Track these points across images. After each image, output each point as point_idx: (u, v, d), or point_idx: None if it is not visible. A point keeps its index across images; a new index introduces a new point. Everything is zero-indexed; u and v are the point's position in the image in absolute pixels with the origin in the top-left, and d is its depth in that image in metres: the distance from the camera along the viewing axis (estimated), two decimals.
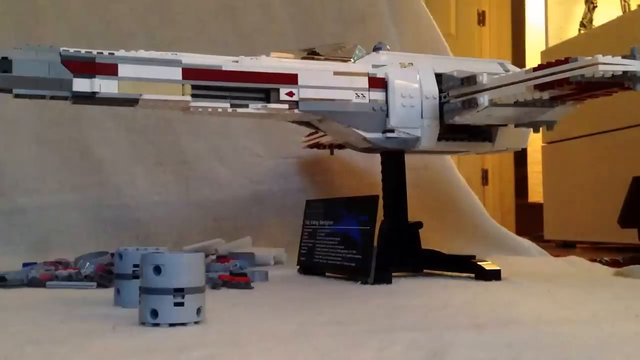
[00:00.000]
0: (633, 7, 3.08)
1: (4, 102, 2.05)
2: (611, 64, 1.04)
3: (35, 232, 2.00)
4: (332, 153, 1.81)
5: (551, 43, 3.35)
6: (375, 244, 1.37)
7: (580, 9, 3.32)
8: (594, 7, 3.26)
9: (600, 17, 3.19)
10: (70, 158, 2.11)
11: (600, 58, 1.04)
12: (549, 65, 1.12)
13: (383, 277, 1.32)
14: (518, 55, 4.10)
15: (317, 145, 1.91)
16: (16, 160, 2.10)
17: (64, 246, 1.87)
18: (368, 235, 1.35)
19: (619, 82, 1.09)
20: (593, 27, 3.18)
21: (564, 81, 1.08)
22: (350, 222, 1.43)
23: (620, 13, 3.07)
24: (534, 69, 1.14)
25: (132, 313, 0.87)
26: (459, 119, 1.30)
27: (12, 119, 2.11)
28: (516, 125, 1.37)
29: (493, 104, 1.22)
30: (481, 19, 4.13)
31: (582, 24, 3.27)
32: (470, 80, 1.27)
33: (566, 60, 1.09)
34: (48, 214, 2.01)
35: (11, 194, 2.06)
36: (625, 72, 1.05)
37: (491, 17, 4.16)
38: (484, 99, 1.22)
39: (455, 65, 1.40)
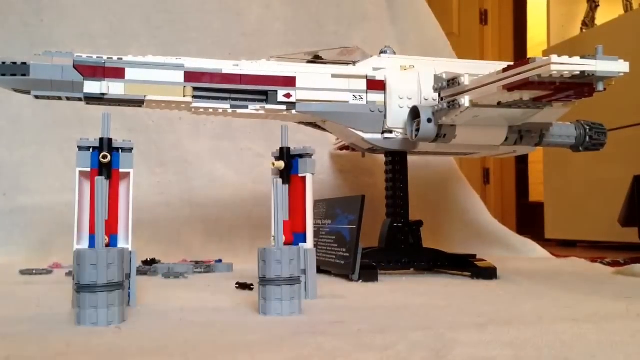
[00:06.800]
0: (635, 6, 3.07)
1: (6, 102, 2.07)
2: (565, 64, 1.04)
3: (37, 232, 2.00)
4: (363, 155, 1.82)
5: (553, 42, 3.35)
6: (359, 241, 1.38)
7: (583, 8, 3.31)
8: (596, 6, 3.25)
9: (603, 16, 3.19)
10: (71, 158, 2.11)
11: (554, 58, 1.03)
12: (514, 66, 1.12)
13: (368, 275, 1.34)
14: (520, 54, 4.10)
15: (347, 147, 1.92)
16: (17, 160, 2.10)
17: (65, 246, 1.87)
18: (355, 233, 1.37)
19: (589, 82, 1.08)
20: (595, 26, 3.17)
21: (525, 81, 1.08)
22: (342, 221, 1.45)
23: (622, 12, 3.07)
24: (503, 70, 1.15)
25: None
26: (446, 119, 1.31)
27: (14, 119, 2.11)
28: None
29: (474, 104, 1.23)
30: (483, 17, 4.13)
31: (584, 23, 3.26)
32: (454, 81, 1.28)
33: (528, 61, 1.09)
34: (49, 214, 2.01)
35: (12, 193, 2.07)
36: (583, 72, 1.05)
37: (493, 16, 4.16)
38: (464, 99, 1.23)
39: (458, 67, 1.40)
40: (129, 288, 1.01)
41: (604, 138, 1.53)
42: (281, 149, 1.14)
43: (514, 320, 0.85)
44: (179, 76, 1.32)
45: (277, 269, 0.91)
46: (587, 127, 1.52)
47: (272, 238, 1.10)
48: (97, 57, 1.28)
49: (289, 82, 1.38)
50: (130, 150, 1.04)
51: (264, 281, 0.91)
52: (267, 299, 0.91)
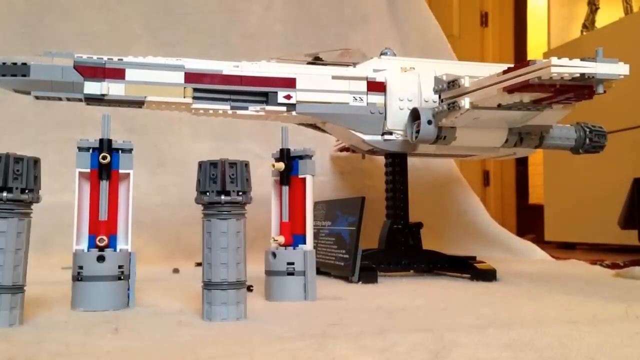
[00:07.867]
0: (635, 8, 3.07)
1: (6, 102, 2.07)
2: (565, 67, 1.04)
3: (36, 232, 1.98)
4: (363, 157, 1.81)
5: (553, 44, 3.35)
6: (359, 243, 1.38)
7: (583, 10, 3.31)
8: (597, 9, 3.25)
9: (603, 19, 3.19)
10: (71, 158, 2.11)
11: (554, 60, 1.03)
12: (515, 68, 1.12)
13: (368, 277, 1.34)
14: (520, 57, 4.10)
15: (347, 149, 1.92)
16: None
17: (64, 246, 1.87)
18: (354, 235, 1.37)
19: (589, 85, 1.08)
20: (595, 28, 3.18)
21: (525, 83, 1.08)
22: (342, 222, 1.45)
23: (622, 14, 3.07)
24: (503, 72, 1.15)
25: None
26: (446, 121, 1.31)
27: (14, 119, 2.11)
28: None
29: (474, 106, 1.23)
30: (484, 20, 4.14)
31: (584, 26, 3.26)
32: (454, 83, 1.28)
33: (528, 63, 1.09)
34: (49, 214, 2.01)
35: None
36: (583, 74, 1.05)
37: (494, 18, 4.16)
38: (464, 101, 1.23)
39: (459, 69, 1.40)
40: (128, 289, 1.01)
41: (604, 140, 1.53)
42: (281, 150, 1.14)
43: (514, 322, 0.85)
44: (179, 77, 1.31)
45: (224, 272, 0.88)
46: (587, 130, 1.52)
47: (272, 240, 1.11)
48: (98, 58, 1.28)
49: (289, 83, 1.38)
50: (130, 151, 1.04)
51: (209, 285, 0.88)
52: (213, 303, 0.88)
